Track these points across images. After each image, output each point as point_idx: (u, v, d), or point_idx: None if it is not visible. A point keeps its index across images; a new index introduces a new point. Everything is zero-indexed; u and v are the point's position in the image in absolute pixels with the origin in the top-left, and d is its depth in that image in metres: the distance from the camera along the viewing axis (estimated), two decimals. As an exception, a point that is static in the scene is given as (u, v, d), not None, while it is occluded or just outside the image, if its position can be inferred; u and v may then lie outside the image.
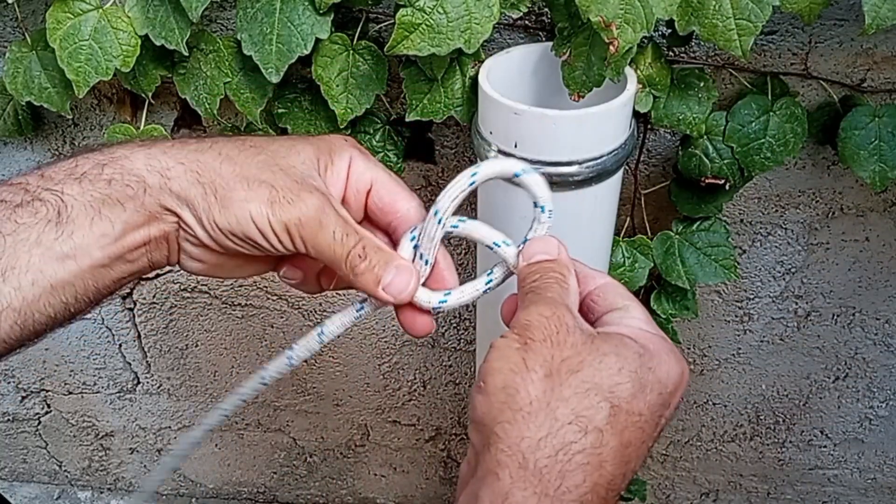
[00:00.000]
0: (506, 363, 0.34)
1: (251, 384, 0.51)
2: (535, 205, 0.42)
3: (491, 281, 0.43)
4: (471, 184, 0.40)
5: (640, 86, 0.56)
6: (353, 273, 0.41)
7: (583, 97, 0.53)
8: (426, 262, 0.42)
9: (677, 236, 0.67)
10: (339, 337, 0.46)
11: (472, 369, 0.92)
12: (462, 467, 0.37)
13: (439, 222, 0.41)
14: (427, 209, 0.42)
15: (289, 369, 0.49)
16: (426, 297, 0.43)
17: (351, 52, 0.58)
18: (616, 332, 0.37)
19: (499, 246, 0.42)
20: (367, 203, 0.44)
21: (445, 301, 0.42)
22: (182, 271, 0.86)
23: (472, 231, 0.42)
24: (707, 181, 0.61)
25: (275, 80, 0.56)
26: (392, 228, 0.44)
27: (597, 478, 0.33)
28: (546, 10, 0.60)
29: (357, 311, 0.45)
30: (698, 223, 0.66)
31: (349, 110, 0.59)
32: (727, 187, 0.62)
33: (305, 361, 0.95)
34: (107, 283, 0.40)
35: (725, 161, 0.60)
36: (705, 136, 0.60)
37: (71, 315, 0.39)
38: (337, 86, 0.58)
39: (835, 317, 0.80)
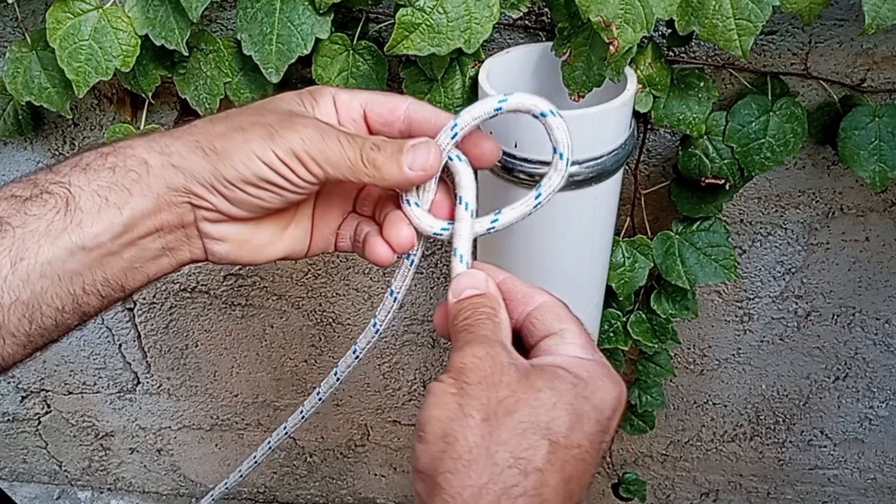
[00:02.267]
0: (443, 410, 0.34)
1: (346, 359, 0.54)
2: (554, 150, 0.41)
3: (496, 221, 0.42)
4: (497, 109, 0.40)
5: (640, 86, 0.56)
6: (374, 168, 0.40)
7: (583, 97, 0.53)
8: (434, 178, 0.41)
9: (677, 236, 0.67)
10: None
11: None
12: None
13: (453, 137, 0.40)
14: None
15: (376, 337, 0.51)
16: (429, 222, 0.42)
17: (351, 52, 0.58)
18: (550, 363, 0.36)
19: (465, 208, 0.42)
20: (369, 125, 0.43)
21: (447, 229, 0.42)
22: (182, 272, 0.86)
23: (459, 174, 0.42)
24: (707, 181, 0.61)
25: (275, 80, 0.56)
26: (405, 136, 0.42)
27: None
28: (546, 10, 0.60)
29: (409, 263, 0.45)
30: (698, 223, 0.66)
31: None
32: (727, 187, 0.62)
33: (305, 361, 0.96)
34: (118, 275, 0.39)
35: (725, 161, 0.60)
36: (705, 136, 0.60)
37: (80, 310, 0.39)
38: (337, 85, 0.58)
39: (835, 317, 0.80)
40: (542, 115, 0.40)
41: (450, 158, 0.41)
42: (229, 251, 0.42)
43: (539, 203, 0.42)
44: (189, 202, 0.40)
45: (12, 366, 0.38)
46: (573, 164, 0.50)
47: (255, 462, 0.66)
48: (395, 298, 0.48)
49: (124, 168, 0.39)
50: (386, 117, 0.43)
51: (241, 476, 0.67)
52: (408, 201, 0.43)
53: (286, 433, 0.60)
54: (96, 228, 0.38)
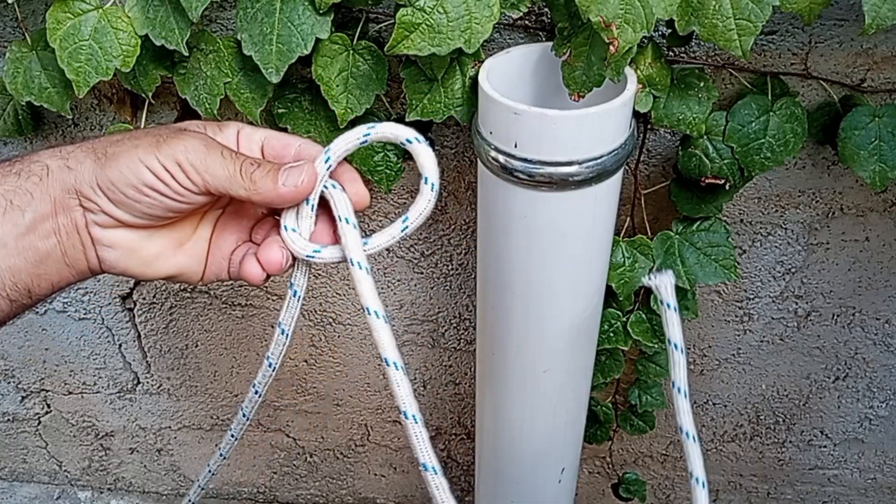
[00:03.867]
0: None
1: (250, 399, 0.55)
2: (422, 177, 0.45)
3: (367, 243, 0.46)
4: (366, 135, 0.44)
5: (641, 86, 0.56)
6: (251, 182, 0.43)
7: (583, 97, 0.53)
8: (311, 206, 0.45)
9: (677, 236, 0.67)
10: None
11: (472, 369, 0.92)
12: None
13: (326, 161, 0.44)
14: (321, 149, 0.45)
15: (272, 374, 0.53)
16: (302, 245, 0.46)
17: (351, 52, 0.58)
18: None
19: (344, 222, 0.45)
20: (264, 156, 0.47)
21: (319, 252, 0.46)
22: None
23: (333, 197, 0.45)
24: (707, 181, 0.61)
25: (275, 80, 0.56)
26: None
27: None
28: (546, 10, 0.60)
29: (293, 294, 0.48)
30: (698, 223, 0.66)
31: (349, 110, 0.59)
32: (727, 187, 0.62)
33: (305, 361, 0.95)
34: (24, 278, 0.42)
35: (725, 161, 0.60)
36: (705, 137, 0.60)
37: None
38: (337, 86, 0.58)
39: (835, 317, 0.80)
40: (408, 141, 0.44)
41: (325, 187, 0.45)
42: (119, 258, 0.44)
43: (406, 228, 0.46)
44: (80, 204, 0.42)
45: None
46: (573, 164, 0.50)
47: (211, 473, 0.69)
48: (284, 332, 0.50)
49: (28, 172, 0.41)
50: (279, 151, 0.47)
51: (211, 473, 0.69)
52: (285, 227, 0.46)
53: (210, 473, 0.65)
54: (2, 230, 0.40)
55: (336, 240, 0.47)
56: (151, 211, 0.43)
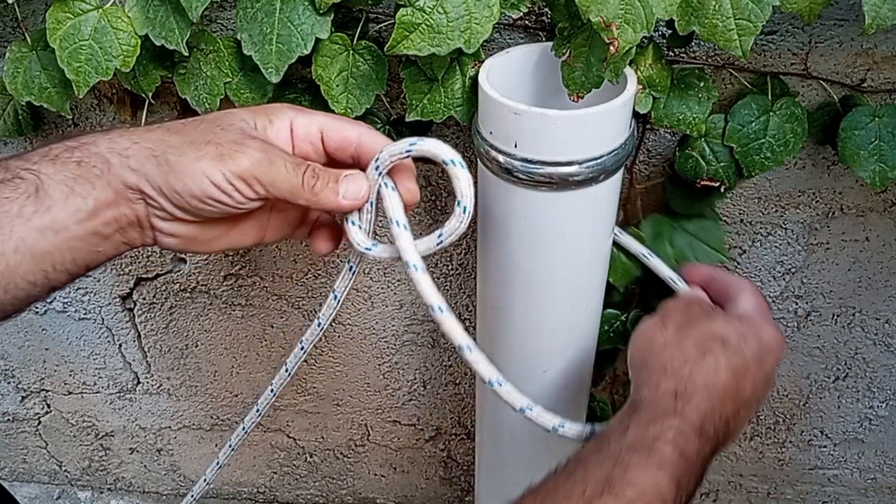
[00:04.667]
0: (648, 327, 0.51)
1: (295, 354, 0.61)
2: (456, 200, 0.48)
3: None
4: (407, 151, 0.46)
5: (641, 87, 0.56)
6: (312, 194, 0.46)
7: (582, 98, 0.53)
8: (370, 203, 0.49)
9: (667, 218, 0.67)
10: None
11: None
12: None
13: (377, 169, 0.47)
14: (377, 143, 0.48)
15: (320, 333, 0.59)
16: (360, 239, 0.50)
17: (351, 52, 0.58)
18: (729, 311, 0.54)
19: (395, 224, 0.48)
20: (325, 146, 0.49)
21: (370, 250, 0.50)
22: (182, 272, 0.86)
23: (387, 199, 0.48)
24: (702, 183, 0.61)
25: (275, 80, 0.56)
26: (354, 160, 0.49)
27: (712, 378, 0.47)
28: (546, 10, 0.60)
29: (349, 269, 0.54)
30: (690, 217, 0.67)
31: (349, 110, 0.59)
32: (722, 189, 0.62)
33: (306, 361, 0.95)
34: (84, 256, 0.44)
35: (721, 164, 0.61)
36: (703, 139, 0.61)
37: (50, 285, 0.43)
38: (337, 86, 0.58)
39: (835, 317, 0.80)
40: (448, 162, 0.46)
41: (383, 185, 0.48)
42: (177, 244, 0.47)
43: (441, 242, 0.49)
44: (143, 199, 0.44)
45: None
46: (573, 164, 0.50)
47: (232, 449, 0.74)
48: (337, 297, 0.55)
49: (88, 164, 0.43)
50: (339, 142, 0.49)
51: (219, 466, 0.71)
52: (347, 219, 0.50)
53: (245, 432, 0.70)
54: (63, 214, 0.42)
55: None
56: (211, 216, 0.45)
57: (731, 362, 0.47)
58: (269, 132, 0.47)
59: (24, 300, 0.43)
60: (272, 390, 0.64)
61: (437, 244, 0.49)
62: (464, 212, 0.47)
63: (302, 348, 0.60)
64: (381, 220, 0.65)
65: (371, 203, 0.48)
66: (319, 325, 0.57)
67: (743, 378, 0.48)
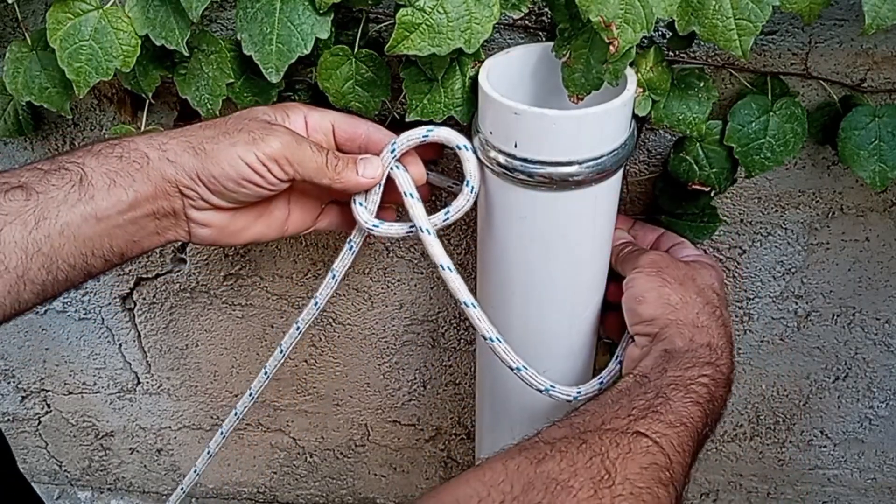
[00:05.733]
0: (655, 283, 0.54)
1: (291, 334, 0.65)
2: (465, 181, 0.55)
3: (414, 227, 0.55)
4: (424, 136, 0.54)
5: (640, 89, 0.56)
6: (335, 172, 0.51)
7: (581, 99, 0.53)
8: (379, 185, 0.55)
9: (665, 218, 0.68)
10: (347, 275, 0.64)
11: (472, 369, 0.92)
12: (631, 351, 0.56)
13: (392, 152, 0.54)
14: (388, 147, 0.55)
15: (317, 313, 0.63)
16: (366, 218, 0.55)
17: (353, 60, 0.58)
18: (690, 260, 0.60)
19: (409, 196, 0.54)
20: (336, 139, 0.55)
21: (378, 226, 0.56)
22: (182, 272, 0.86)
23: (400, 177, 0.54)
24: (693, 187, 0.62)
25: (275, 80, 0.56)
26: (362, 152, 0.55)
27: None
28: (546, 10, 0.60)
29: (349, 248, 0.58)
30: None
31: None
32: (712, 194, 0.63)
33: (305, 361, 0.95)
34: (121, 245, 0.47)
35: (714, 170, 0.61)
36: (699, 144, 0.61)
37: (87, 269, 0.46)
38: (348, 94, 0.59)
39: (835, 317, 0.80)
40: (459, 147, 0.54)
41: (395, 167, 0.55)
42: (209, 234, 0.51)
43: (447, 219, 0.56)
44: (180, 191, 0.48)
45: (24, 311, 0.46)
46: (573, 164, 0.50)
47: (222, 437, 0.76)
48: (335, 276, 0.60)
49: (129, 158, 0.47)
50: (350, 133, 0.55)
51: (210, 455, 0.76)
52: (354, 200, 0.55)
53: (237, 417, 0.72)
54: (106, 203, 0.45)
55: (387, 216, 0.58)
56: (245, 198, 0.50)
57: (725, 310, 0.56)
58: (287, 124, 0.52)
59: (62, 283, 0.45)
60: (266, 373, 0.66)
61: (444, 220, 0.56)
62: (471, 191, 0.55)
63: (297, 328, 0.63)
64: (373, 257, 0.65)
65: (379, 185, 0.54)
66: (317, 304, 0.61)
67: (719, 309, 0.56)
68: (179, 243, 0.84)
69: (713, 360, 0.50)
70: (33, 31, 0.62)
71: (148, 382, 1.01)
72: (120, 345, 0.97)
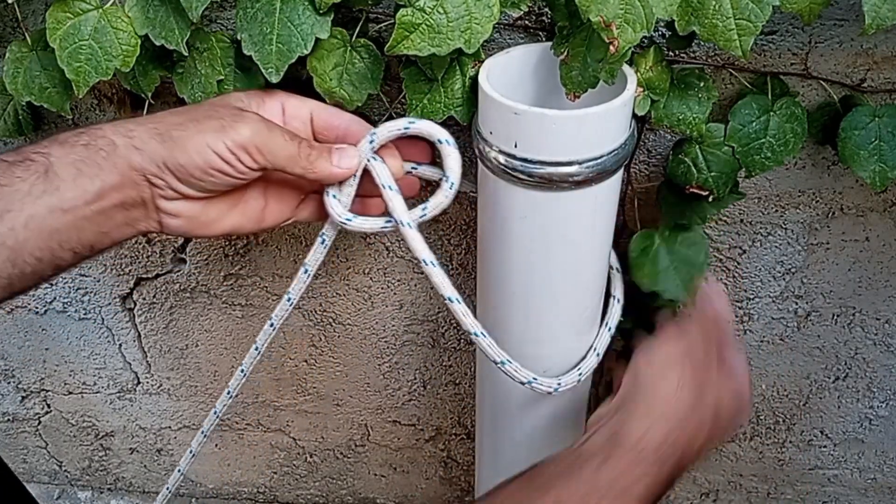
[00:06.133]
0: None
1: (263, 332, 0.62)
2: (444, 174, 0.52)
3: (390, 222, 0.53)
4: (405, 127, 0.51)
5: (640, 89, 0.56)
6: (308, 162, 0.49)
7: (578, 97, 0.53)
8: (354, 177, 0.52)
9: (659, 239, 0.66)
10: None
11: (472, 369, 0.92)
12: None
13: (371, 143, 0.51)
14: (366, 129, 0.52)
15: (290, 308, 0.60)
16: (339, 212, 0.53)
17: (349, 48, 0.57)
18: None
19: (388, 189, 0.52)
20: (314, 128, 0.53)
21: (351, 220, 0.53)
22: (182, 272, 0.86)
23: (378, 169, 0.52)
24: (691, 190, 0.61)
25: (275, 80, 0.56)
26: (339, 142, 0.53)
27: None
28: (546, 9, 0.60)
29: (321, 241, 0.56)
30: (681, 236, 0.65)
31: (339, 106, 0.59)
32: (710, 199, 0.61)
33: (305, 361, 0.95)
34: (89, 237, 0.45)
35: (713, 174, 0.60)
36: (698, 146, 0.60)
37: (55, 263, 0.45)
38: (331, 79, 0.58)
39: (835, 317, 0.80)
40: (441, 141, 0.51)
41: (372, 158, 0.52)
42: (181, 225, 0.49)
43: (424, 216, 0.53)
44: (147, 180, 0.46)
45: None
46: (573, 164, 0.50)
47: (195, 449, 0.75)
48: (307, 272, 0.58)
49: (95, 146, 0.45)
50: (328, 122, 0.53)
51: (192, 454, 0.73)
52: (328, 192, 0.53)
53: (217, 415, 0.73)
54: (72, 194, 0.43)
55: (365, 209, 0.56)
56: (214, 187, 0.48)
57: (720, 434, 0.50)
58: (262, 111, 0.50)
59: (30, 276, 0.44)
60: (243, 371, 0.65)
61: (422, 216, 0.53)
62: (451, 187, 0.52)
63: (272, 325, 0.61)
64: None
65: (355, 177, 0.52)
66: (290, 300, 0.59)
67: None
68: (179, 242, 0.84)
69: (665, 466, 0.46)
70: (33, 31, 0.62)
71: (148, 382, 1.01)
72: (120, 345, 0.97)
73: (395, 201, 0.52)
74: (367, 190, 0.54)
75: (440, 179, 0.53)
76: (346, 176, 0.51)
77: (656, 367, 0.50)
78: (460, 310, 0.54)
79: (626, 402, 0.49)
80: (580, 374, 0.61)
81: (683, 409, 0.47)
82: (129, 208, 0.46)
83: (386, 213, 0.53)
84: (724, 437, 0.50)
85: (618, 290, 0.64)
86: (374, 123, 0.58)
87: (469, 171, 0.72)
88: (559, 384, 0.60)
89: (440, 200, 0.53)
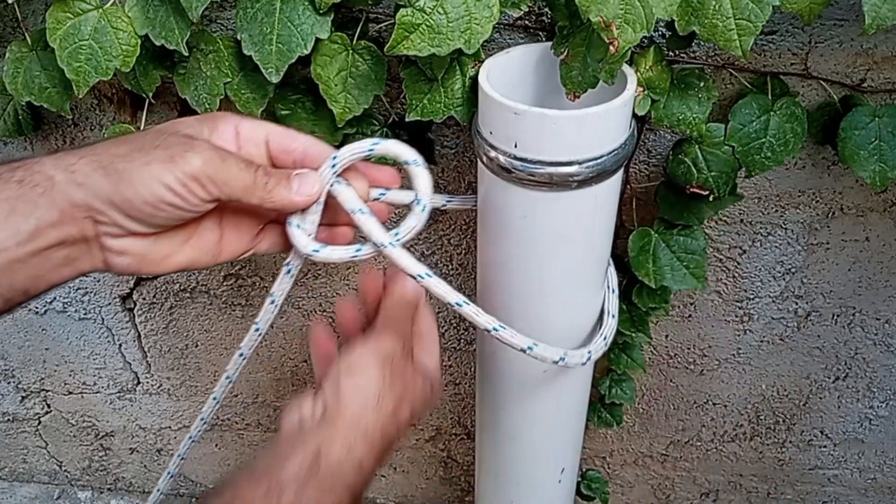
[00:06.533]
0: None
1: (233, 362, 0.59)
2: (415, 196, 0.49)
3: (360, 250, 0.50)
4: (370, 149, 0.47)
5: (640, 89, 0.56)
6: (266, 191, 0.45)
7: (578, 97, 0.53)
8: (318, 204, 0.48)
9: (656, 234, 0.66)
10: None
11: (472, 369, 0.92)
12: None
13: (333, 167, 0.47)
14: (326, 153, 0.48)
15: (258, 338, 0.57)
16: (304, 242, 0.49)
17: (350, 51, 0.58)
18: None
19: (359, 213, 0.48)
20: (270, 152, 0.48)
21: (318, 251, 0.49)
22: (181, 272, 0.86)
23: (342, 193, 0.48)
24: (691, 190, 0.61)
25: (275, 79, 0.56)
26: (297, 166, 0.48)
27: None
28: (546, 9, 0.60)
29: (287, 271, 0.53)
30: (680, 227, 0.66)
31: (347, 110, 0.59)
32: (710, 199, 0.62)
33: (305, 361, 0.95)
34: (23, 281, 0.41)
35: (713, 174, 0.60)
36: (698, 146, 0.60)
37: None
38: (335, 85, 0.58)
39: (835, 317, 0.80)
40: (408, 162, 0.48)
41: (337, 182, 0.48)
42: (130, 264, 0.45)
43: (398, 239, 0.49)
44: (91, 217, 0.42)
45: None
46: (573, 164, 0.50)
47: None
48: (274, 301, 0.54)
49: (31, 183, 0.41)
50: (285, 146, 0.48)
51: (181, 458, 0.72)
52: (290, 222, 0.49)
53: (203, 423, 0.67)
54: (3, 234, 0.40)
55: (332, 238, 0.51)
56: (165, 222, 0.44)
57: (412, 424, 0.50)
58: (215, 137, 0.46)
59: None
60: (215, 398, 0.62)
61: (392, 243, 0.49)
62: (423, 210, 0.49)
63: (241, 355, 0.58)
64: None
65: (318, 204, 0.48)
66: (258, 330, 0.56)
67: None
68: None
69: (359, 484, 0.45)
70: (33, 31, 0.62)
71: (148, 382, 1.01)
72: (120, 345, 0.97)
73: (370, 224, 0.48)
74: (332, 217, 0.51)
75: (411, 203, 0.50)
76: (307, 203, 0.47)
77: (358, 378, 0.48)
78: (471, 311, 0.51)
79: (329, 417, 0.47)
80: (588, 354, 0.60)
81: (383, 421, 0.47)
82: (70, 247, 0.42)
83: (355, 240, 0.51)
84: (414, 424, 0.51)
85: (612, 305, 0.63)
86: (381, 123, 0.58)
87: (469, 171, 0.73)
88: (564, 355, 0.57)
89: (412, 224, 0.49)
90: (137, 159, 0.42)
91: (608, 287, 0.64)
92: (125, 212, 0.42)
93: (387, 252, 0.48)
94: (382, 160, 0.51)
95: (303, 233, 0.48)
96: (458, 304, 0.51)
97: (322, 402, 0.48)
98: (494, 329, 0.52)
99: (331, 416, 0.46)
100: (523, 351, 0.54)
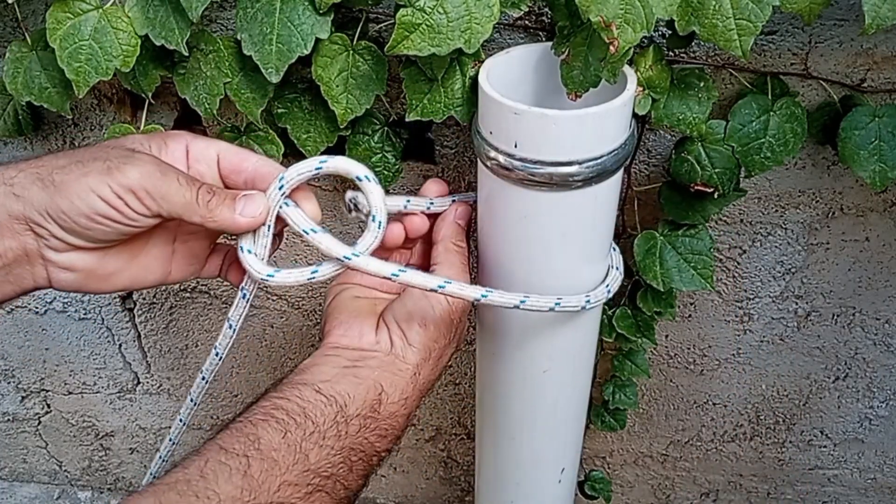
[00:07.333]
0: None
1: (197, 385, 0.58)
2: (369, 214, 0.48)
3: (316, 272, 0.48)
4: (317, 168, 0.46)
5: (640, 88, 0.56)
6: (208, 210, 0.44)
7: (580, 97, 0.53)
8: (268, 227, 0.47)
9: (661, 237, 0.66)
10: (243, 325, 0.53)
11: (472, 369, 0.92)
12: None
13: (280, 188, 0.46)
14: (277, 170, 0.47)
15: (219, 363, 0.55)
16: (258, 267, 0.47)
17: (351, 52, 0.58)
18: None
19: (312, 233, 0.47)
20: (220, 171, 0.47)
21: (273, 276, 0.47)
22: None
23: (293, 215, 0.47)
24: (696, 188, 0.61)
25: (275, 79, 0.56)
26: (248, 186, 0.47)
27: None
28: (546, 9, 0.60)
29: (242, 296, 0.51)
30: (685, 228, 0.66)
31: (349, 110, 0.59)
32: (716, 196, 0.61)
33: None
34: None
35: (717, 170, 0.60)
36: (700, 144, 0.60)
37: None
38: (337, 86, 0.58)
39: (835, 317, 0.80)
40: (359, 178, 0.47)
41: (285, 204, 0.47)
42: (74, 279, 0.44)
43: (357, 255, 0.48)
44: (30, 230, 0.41)
45: None
46: (573, 164, 0.50)
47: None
48: (232, 327, 0.52)
49: None
50: (236, 165, 0.47)
51: (163, 460, 0.71)
52: (241, 248, 0.47)
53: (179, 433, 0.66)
54: None
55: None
56: (105, 236, 0.43)
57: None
58: (164, 154, 0.45)
59: None
60: (181, 420, 0.61)
61: (349, 259, 0.48)
62: (378, 227, 0.48)
63: (203, 378, 0.57)
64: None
65: (268, 227, 0.47)
66: (217, 354, 0.55)
67: None
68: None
69: (402, 432, 0.49)
70: (33, 31, 0.62)
71: (148, 382, 1.01)
72: (120, 345, 0.97)
73: (326, 241, 0.47)
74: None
75: (367, 218, 0.49)
76: (252, 226, 0.46)
77: (431, 331, 0.51)
78: (455, 289, 0.50)
79: (392, 361, 0.49)
80: (608, 290, 0.60)
81: (436, 374, 0.52)
82: (11, 263, 0.42)
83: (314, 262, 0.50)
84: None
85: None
86: (381, 123, 0.58)
87: (469, 171, 0.73)
88: (587, 299, 0.58)
89: (369, 241, 0.49)
90: (75, 171, 0.41)
91: (613, 249, 0.63)
92: (62, 224, 0.41)
93: (353, 264, 0.48)
94: (341, 178, 0.51)
95: (254, 258, 0.47)
96: (440, 286, 0.50)
97: (388, 339, 0.49)
98: (483, 296, 0.51)
99: (394, 360, 0.49)
100: (517, 307, 0.53)
